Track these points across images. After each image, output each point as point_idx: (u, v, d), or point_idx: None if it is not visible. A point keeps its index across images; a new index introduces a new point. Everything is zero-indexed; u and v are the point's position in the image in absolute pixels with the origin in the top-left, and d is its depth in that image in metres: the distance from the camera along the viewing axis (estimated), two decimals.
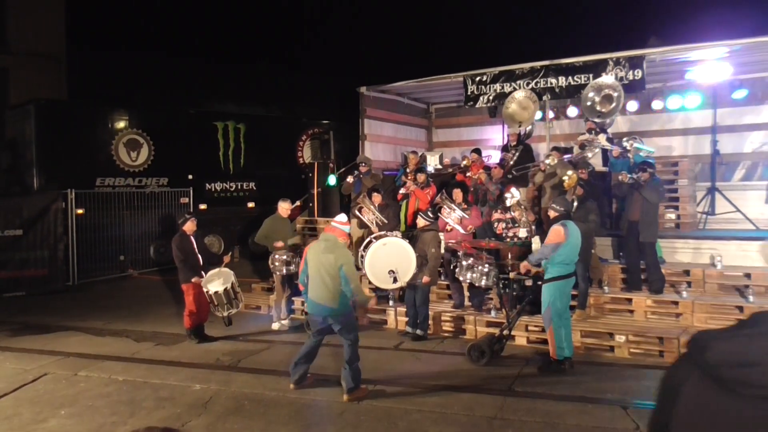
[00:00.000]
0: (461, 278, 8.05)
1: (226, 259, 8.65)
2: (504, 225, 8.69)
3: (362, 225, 9.92)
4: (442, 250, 8.91)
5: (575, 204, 7.98)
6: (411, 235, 8.80)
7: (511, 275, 7.44)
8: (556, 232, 6.85)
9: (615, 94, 9.57)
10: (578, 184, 8.24)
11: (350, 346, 6.14)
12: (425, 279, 8.25)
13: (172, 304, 10.82)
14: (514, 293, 7.54)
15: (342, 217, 6.54)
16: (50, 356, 7.83)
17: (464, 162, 10.99)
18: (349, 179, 10.76)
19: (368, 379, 6.72)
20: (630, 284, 8.63)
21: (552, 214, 7.23)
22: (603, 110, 9.67)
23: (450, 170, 12.00)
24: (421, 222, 8.46)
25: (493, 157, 12.39)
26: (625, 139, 9.96)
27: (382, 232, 8.96)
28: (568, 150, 11.00)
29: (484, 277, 7.81)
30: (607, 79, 9.77)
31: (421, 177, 10.38)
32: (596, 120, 10.09)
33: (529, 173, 10.08)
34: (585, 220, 8.02)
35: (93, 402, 6.22)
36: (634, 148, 9.44)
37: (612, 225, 9.98)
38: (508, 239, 8.63)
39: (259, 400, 6.15)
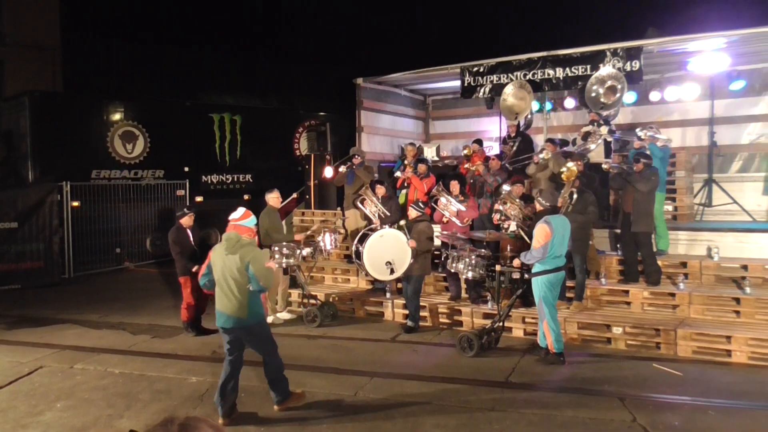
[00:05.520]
0: (451, 269, 8.04)
1: None
2: (499, 216, 8.66)
3: (364, 217, 9.89)
4: (438, 242, 8.87)
5: (574, 196, 7.95)
6: (404, 226, 8.76)
7: (497, 267, 7.41)
8: (541, 231, 6.78)
9: (619, 85, 9.58)
10: (576, 176, 8.20)
11: (269, 362, 5.56)
12: (411, 243, 8.14)
13: (168, 296, 10.80)
14: (503, 285, 7.52)
15: (239, 211, 5.65)
16: (46, 349, 7.80)
17: (465, 151, 10.94)
18: (342, 169, 10.71)
19: (365, 372, 6.74)
20: (627, 276, 8.62)
21: (538, 207, 7.25)
22: (607, 102, 9.65)
23: (448, 162, 11.94)
24: (412, 213, 8.43)
25: (494, 148, 12.34)
26: (638, 129, 9.72)
27: (375, 225, 8.93)
28: (565, 142, 10.98)
29: (470, 269, 7.77)
30: (609, 69, 9.73)
31: (422, 167, 10.32)
32: (601, 112, 10.05)
33: (523, 166, 10.05)
34: (583, 212, 7.99)
35: (89, 395, 6.21)
36: (648, 137, 9.24)
37: (609, 217, 9.97)
38: (504, 230, 8.60)
39: (256, 393, 6.14)
